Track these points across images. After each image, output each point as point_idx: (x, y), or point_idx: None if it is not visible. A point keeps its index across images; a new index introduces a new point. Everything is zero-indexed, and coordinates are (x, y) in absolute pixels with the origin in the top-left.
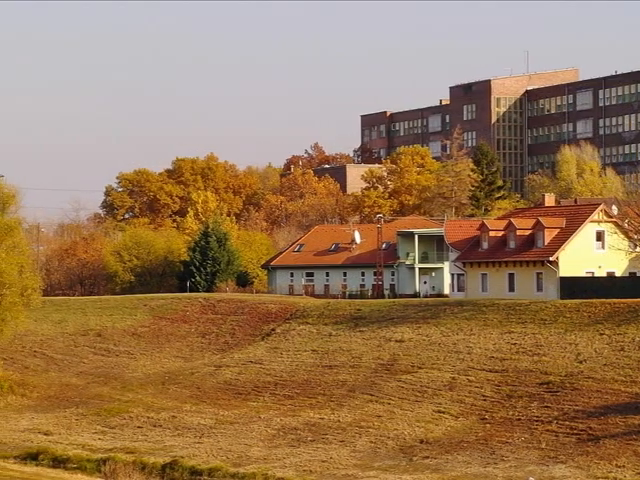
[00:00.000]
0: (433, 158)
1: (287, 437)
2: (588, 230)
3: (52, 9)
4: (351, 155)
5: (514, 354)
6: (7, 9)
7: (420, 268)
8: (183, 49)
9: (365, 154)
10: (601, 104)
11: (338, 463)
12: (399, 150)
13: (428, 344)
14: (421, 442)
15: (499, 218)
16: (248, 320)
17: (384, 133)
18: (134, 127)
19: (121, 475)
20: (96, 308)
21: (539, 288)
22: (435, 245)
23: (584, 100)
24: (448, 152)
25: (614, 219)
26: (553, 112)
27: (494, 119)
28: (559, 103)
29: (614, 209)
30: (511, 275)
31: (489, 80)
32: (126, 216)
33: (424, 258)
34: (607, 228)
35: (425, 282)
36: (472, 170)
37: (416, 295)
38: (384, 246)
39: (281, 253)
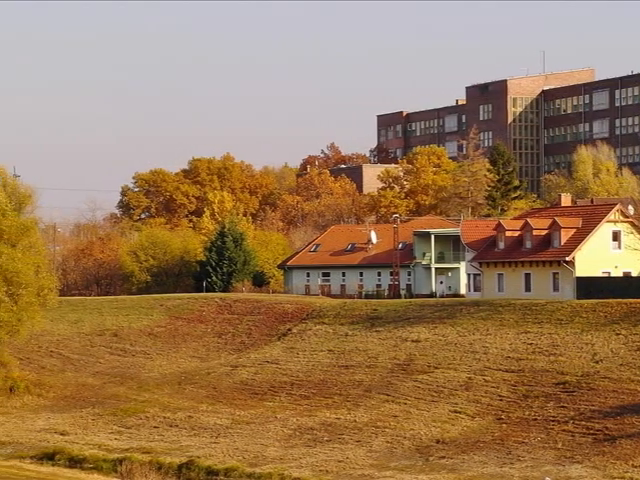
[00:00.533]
0: (449, 158)
1: (303, 437)
2: (604, 230)
3: (68, 8)
4: (367, 155)
5: (530, 354)
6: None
7: (436, 268)
8: (201, 50)
9: (381, 154)
10: (617, 104)
11: (354, 463)
12: (415, 150)
13: (444, 344)
14: (437, 442)
15: (515, 218)
16: (264, 320)
17: (400, 133)
18: (150, 127)
19: (137, 475)
20: (112, 308)
21: (555, 288)
22: (451, 245)
23: (600, 100)
24: (464, 152)
25: (630, 219)
26: (569, 112)
27: (510, 119)
28: (575, 103)
29: (630, 209)
30: (527, 275)
31: (505, 80)
32: (142, 216)
33: (440, 258)
34: (623, 228)
35: (441, 282)
36: (488, 170)
37: (432, 295)
38: (400, 246)
39: (297, 253)
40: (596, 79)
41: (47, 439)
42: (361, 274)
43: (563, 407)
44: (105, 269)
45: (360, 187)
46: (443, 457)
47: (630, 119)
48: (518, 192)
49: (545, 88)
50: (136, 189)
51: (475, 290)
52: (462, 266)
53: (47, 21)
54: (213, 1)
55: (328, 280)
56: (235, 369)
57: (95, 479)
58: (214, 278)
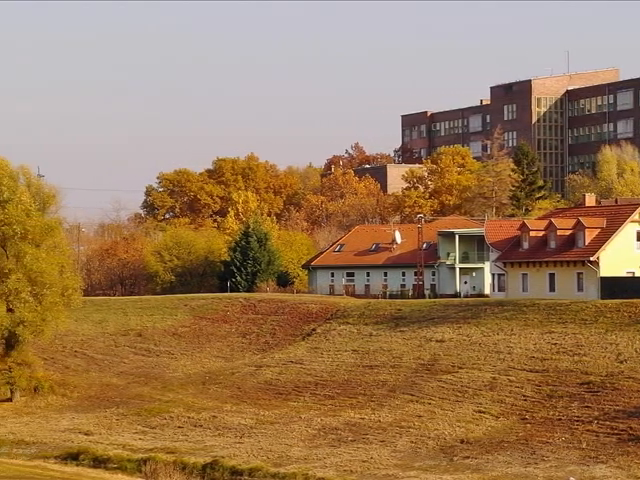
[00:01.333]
0: (474, 158)
1: (328, 437)
2: (629, 230)
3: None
4: (392, 155)
5: (555, 354)
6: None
7: (461, 268)
8: (228, 50)
9: (406, 154)
10: None
11: (379, 463)
12: (440, 150)
13: (469, 344)
14: (462, 442)
15: (540, 218)
16: (289, 320)
17: (425, 133)
18: (175, 127)
19: (162, 475)
20: (137, 308)
21: (580, 288)
22: (476, 245)
23: (625, 100)
24: (489, 152)
25: None
26: (594, 112)
27: (535, 119)
28: (599, 103)
29: None
30: (552, 275)
31: (530, 80)
32: (167, 216)
33: (465, 258)
34: None
35: (466, 282)
36: (513, 170)
37: (457, 295)
38: (425, 246)
39: (322, 253)
40: (620, 79)
41: (71, 439)
42: (385, 274)
43: (587, 407)
44: (129, 269)
45: (384, 187)
46: (467, 457)
47: None
48: (542, 192)
49: (569, 88)
50: (160, 189)
51: (499, 290)
52: (486, 266)
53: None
54: (233, 1)
55: (352, 280)
56: (259, 369)
57: (119, 479)
58: (238, 278)
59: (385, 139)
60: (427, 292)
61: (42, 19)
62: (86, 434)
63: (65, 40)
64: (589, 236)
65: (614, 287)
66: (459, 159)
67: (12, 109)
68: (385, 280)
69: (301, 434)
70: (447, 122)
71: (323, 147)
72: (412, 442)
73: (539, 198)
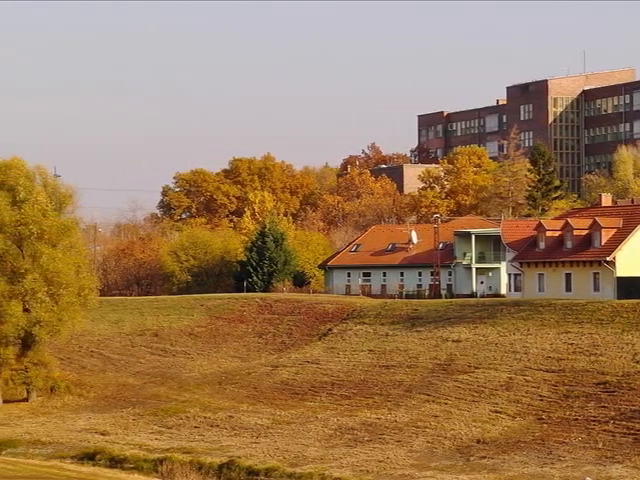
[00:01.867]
0: (490, 158)
1: (344, 437)
2: None
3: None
4: (408, 155)
5: (571, 354)
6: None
7: (477, 268)
8: (240, 50)
9: (422, 154)
10: None
11: (395, 463)
12: (456, 150)
13: (485, 344)
14: (478, 442)
15: (556, 218)
16: (305, 320)
17: (441, 133)
18: (191, 127)
19: (178, 475)
20: (153, 308)
21: (596, 288)
22: (492, 245)
23: None
24: (505, 152)
25: None
26: (610, 112)
27: (551, 119)
28: (616, 103)
29: None
30: (568, 275)
31: (546, 80)
32: (183, 216)
33: (481, 258)
34: None
35: (482, 282)
36: (529, 170)
37: (473, 295)
38: (441, 246)
39: (338, 253)
40: (637, 79)
41: (88, 439)
42: (402, 274)
43: (604, 407)
44: (146, 269)
45: (401, 187)
46: (484, 457)
47: None
48: (559, 192)
49: (586, 88)
50: (177, 189)
51: (516, 290)
52: (503, 266)
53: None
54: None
55: (369, 280)
56: (276, 369)
57: (136, 479)
58: (255, 278)
59: (401, 139)
60: (443, 292)
61: (55, 18)
62: (102, 434)
63: (83, 39)
64: (605, 236)
65: (630, 287)
66: (475, 159)
67: (28, 109)
68: (401, 280)
69: (317, 434)
70: (463, 122)
71: (339, 147)
72: (428, 442)
73: (555, 198)
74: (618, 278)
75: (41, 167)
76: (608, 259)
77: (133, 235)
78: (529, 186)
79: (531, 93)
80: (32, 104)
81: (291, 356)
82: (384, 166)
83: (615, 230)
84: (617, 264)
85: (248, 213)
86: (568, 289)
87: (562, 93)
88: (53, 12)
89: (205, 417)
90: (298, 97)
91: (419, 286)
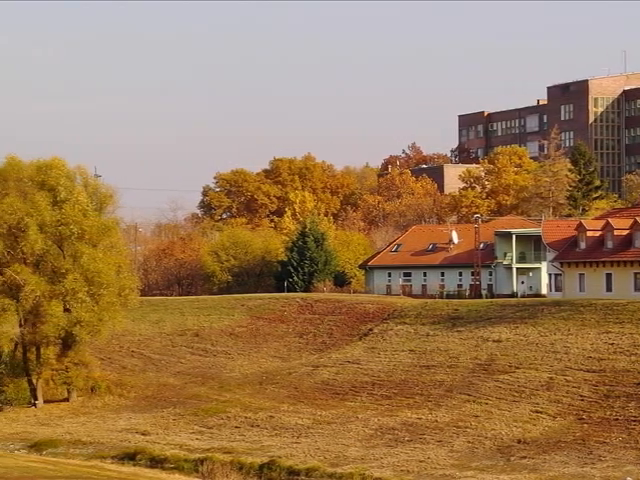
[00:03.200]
0: (530, 158)
1: (384, 437)
2: None
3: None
4: (448, 155)
5: (612, 354)
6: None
7: (517, 268)
8: (280, 50)
9: (463, 154)
10: None
11: (435, 463)
12: (497, 150)
13: (526, 344)
14: (518, 442)
15: (596, 218)
16: (345, 320)
17: (482, 133)
18: (232, 127)
19: (219, 475)
20: (193, 308)
21: (637, 288)
22: (533, 245)
23: None
24: (546, 152)
25: None
26: None
27: (592, 119)
28: None
29: None
30: (608, 275)
31: (587, 80)
32: (224, 216)
33: (521, 258)
34: None
35: (522, 282)
36: (569, 170)
37: (513, 295)
38: (482, 246)
39: (378, 253)
40: None
41: (128, 439)
42: (442, 274)
43: None
44: (186, 269)
45: (441, 187)
46: (524, 457)
47: None
48: (599, 192)
49: (626, 88)
50: (217, 189)
51: (556, 290)
52: (543, 266)
53: (132, 21)
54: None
55: (409, 280)
56: (316, 369)
57: (176, 479)
58: (295, 278)
59: (442, 139)
60: (484, 292)
61: (97, 18)
62: (143, 434)
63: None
64: None
65: None
66: (516, 159)
67: (72, 108)
68: (442, 280)
69: (358, 434)
70: (504, 122)
71: (380, 147)
72: (469, 442)
73: (596, 198)
74: None
75: (82, 167)
76: None
77: (174, 235)
78: (570, 186)
79: (572, 93)
80: (75, 103)
81: (332, 356)
82: (425, 166)
83: None
84: None
85: (289, 213)
86: (609, 289)
87: (603, 93)
88: (99, 11)
89: (246, 417)
90: (339, 97)
91: (459, 286)
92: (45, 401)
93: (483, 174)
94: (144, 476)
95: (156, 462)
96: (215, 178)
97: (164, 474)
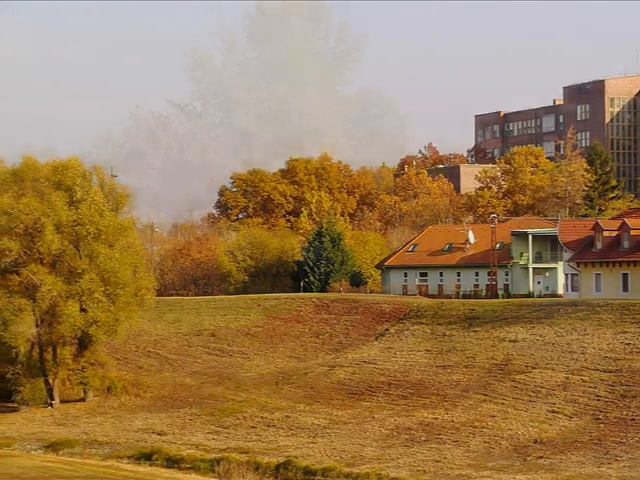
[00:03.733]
0: (547, 158)
1: (401, 437)
2: None
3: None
4: (465, 155)
5: (628, 354)
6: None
7: (534, 268)
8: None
9: (479, 154)
10: None
11: (452, 463)
12: (513, 150)
13: (542, 344)
14: (535, 442)
15: (613, 218)
16: (362, 320)
17: (498, 133)
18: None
19: (235, 475)
20: (210, 308)
21: None
22: (549, 245)
23: None
24: (562, 152)
25: None
26: None
27: (608, 119)
28: None
29: None
30: (625, 275)
31: (603, 80)
32: (240, 216)
33: (538, 258)
34: None
35: (539, 282)
36: (586, 170)
37: (530, 295)
38: (498, 246)
39: (395, 253)
40: None
41: (144, 439)
42: (458, 274)
43: None
44: (202, 269)
45: (458, 187)
46: (541, 457)
47: None
48: (616, 192)
49: None
50: (234, 189)
51: (572, 290)
52: (559, 266)
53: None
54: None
55: (425, 280)
56: (332, 369)
57: (193, 479)
58: (312, 278)
59: (458, 139)
60: (500, 292)
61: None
62: (159, 434)
63: (134, 39)
64: None
65: None
66: (532, 159)
67: (88, 109)
68: (458, 280)
69: (374, 434)
70: (520, 122)
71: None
72: (485, 442)
73: (612, 198)
74: None
75: (98, 167)
76: None
77: (190, 235)
78: (586, 186)
79: (588, 93)
80: (93, 104)
81: (348, 356)
82: (441, 166)
83: None
84: None
85: (305, 213)
86: (625, 289)
87: (619, 93)
88: (120, 13)
89: (262, 417)
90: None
91: (476, 286)
92: (61, 401)
93: (499, 174)
94: (160, 476)
95: (172, 462)
96: (231, 178)
97: (180, 474)
